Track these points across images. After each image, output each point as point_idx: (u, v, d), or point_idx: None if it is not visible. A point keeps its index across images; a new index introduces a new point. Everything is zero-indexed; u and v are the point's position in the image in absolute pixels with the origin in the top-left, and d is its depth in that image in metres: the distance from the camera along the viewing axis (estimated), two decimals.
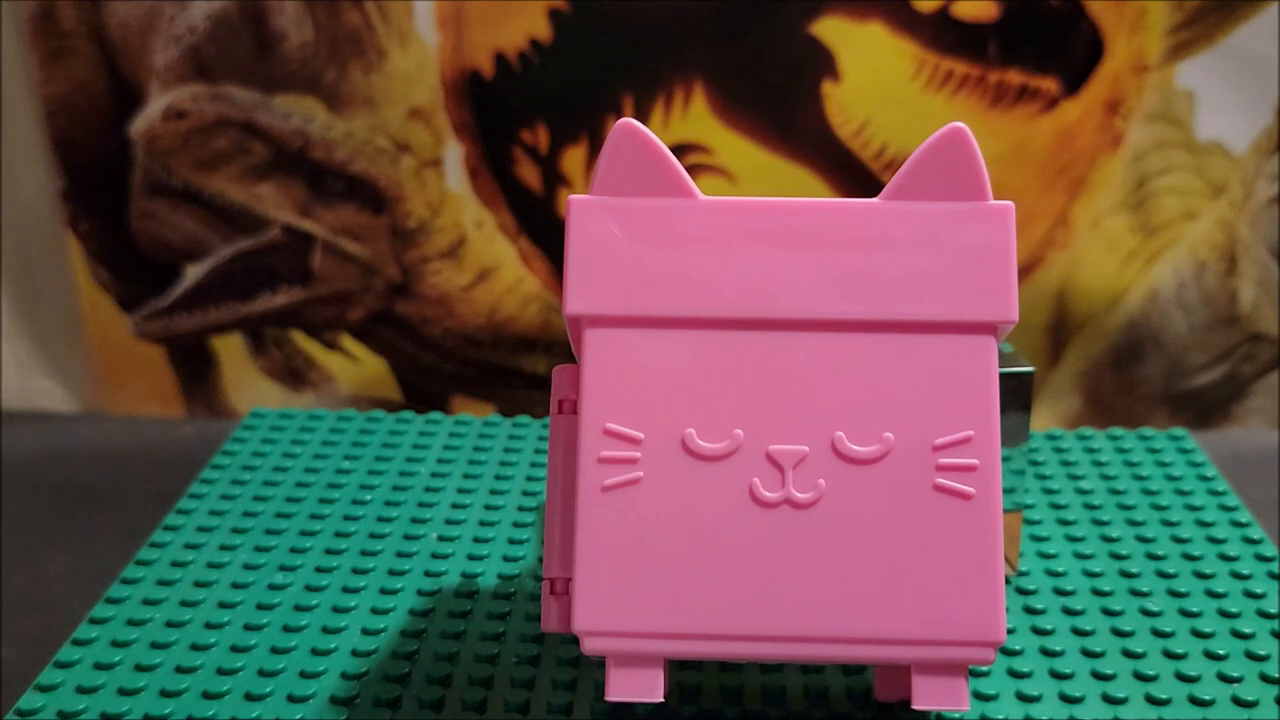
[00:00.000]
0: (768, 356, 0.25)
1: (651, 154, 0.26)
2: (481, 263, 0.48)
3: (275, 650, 0.31)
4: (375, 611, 0.32)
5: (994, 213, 0.26)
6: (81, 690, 0.29)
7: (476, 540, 0.36)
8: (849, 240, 0.25)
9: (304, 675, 0.30)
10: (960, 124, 0.26)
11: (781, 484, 0.25)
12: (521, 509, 0.38)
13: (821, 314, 0.25)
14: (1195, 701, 0.29)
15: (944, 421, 0.25)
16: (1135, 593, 0.34)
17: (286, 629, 0.32)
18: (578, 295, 0.26)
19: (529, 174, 0.47)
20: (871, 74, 0.44)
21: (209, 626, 0.32)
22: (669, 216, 0.26)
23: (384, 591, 0.33)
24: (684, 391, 0.25)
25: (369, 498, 0.38)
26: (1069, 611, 0.33)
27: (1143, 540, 0.36)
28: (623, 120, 0.25)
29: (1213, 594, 0.33)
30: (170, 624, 0.32)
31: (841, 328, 0.25)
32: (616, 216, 0.26)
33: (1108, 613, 0.33)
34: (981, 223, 0.26)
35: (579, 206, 0.26)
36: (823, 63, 0.45)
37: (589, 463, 0.25)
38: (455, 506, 0.38)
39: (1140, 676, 0.30)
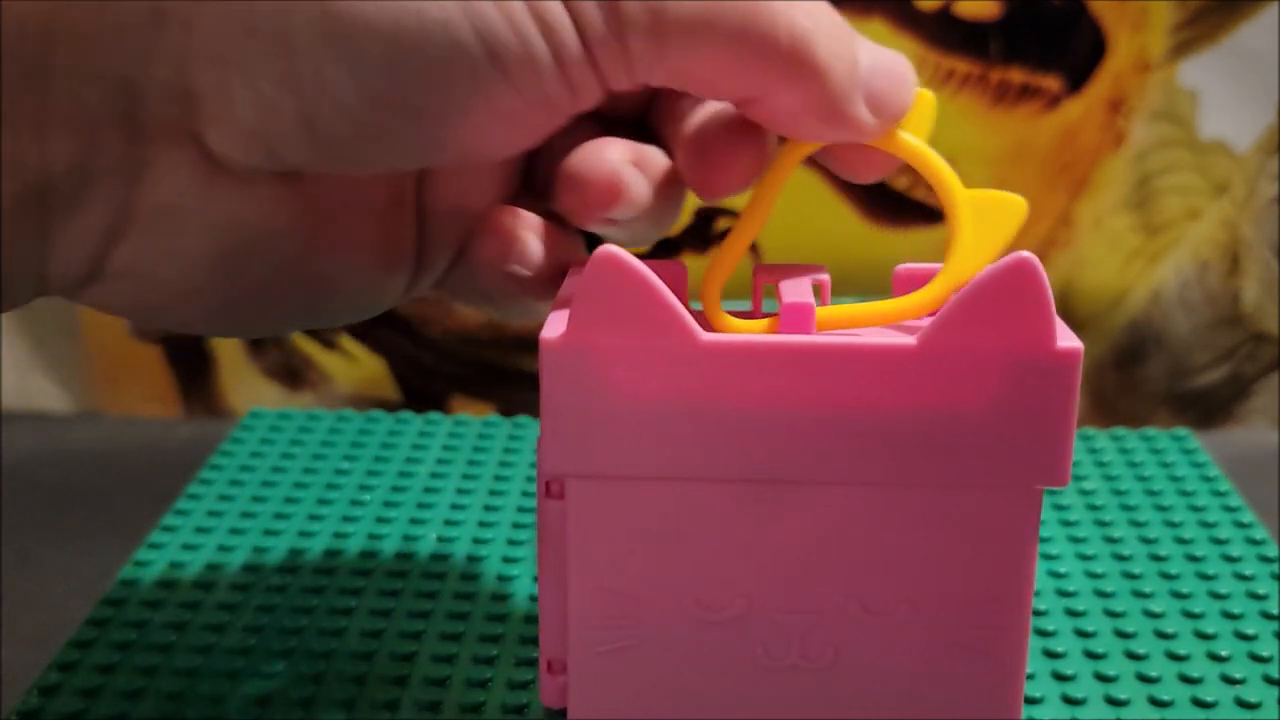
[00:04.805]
0: (778, 515, 0.22)
1: (638, 288, 0.21)
2: None
3: (274, 653, 0.31)
4: (374, 613, 0.32)
5: (1058, 360, 0.21)
6: (81, 692, 0.29)
7: (476, 541, 0.36)
8: (878, 393, 0.21)
9: (303, 678, 0.30)
10: (1028, 255, 0.21)
11: (791, 649, 0.23)
12: (521, 509, 0.38)
13: (841, 474, 0.22)
14: (1198, 703, 0.29)
15: (973, 582, 0.23)
16: (1138, 594, 0.33)
17: (284, 631, 0.31)
18: (557, 453, 0.22)
19: None
20: None
21: (208, 628, 0.31)
22: (662, 360, 0.21)
23: (382, 593, 0.33)
24: (683, 551, 0.23)
25: (368, 498, 0.38)
26: (1071, 613, 0.32)
27: (1145, 541, 0.36)
28: (603, 249, 0.21)
29: (1216, 595, 0.33)
30: (169, 625, 0.32)
31: (863, 484, 0.22)
32: (599, 361, 0.21)
33: (1110, 614, 0.32)
34: (1042, 373, 0.21)
35: (552, 351, 0.21)
36: None
37: (582, 626, 0.23)
38: (454, 507, 0.38)
39: (1143, 678, 0.30)
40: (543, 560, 0.23)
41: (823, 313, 0.23)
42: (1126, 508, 0.38)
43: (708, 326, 0.23)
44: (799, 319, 0.23)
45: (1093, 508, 0.38)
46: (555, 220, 0.26)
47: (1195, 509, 0.38)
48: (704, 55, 0.21)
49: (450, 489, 0.39)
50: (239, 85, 0.21)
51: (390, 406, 0.50)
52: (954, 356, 0.21)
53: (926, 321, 0.22)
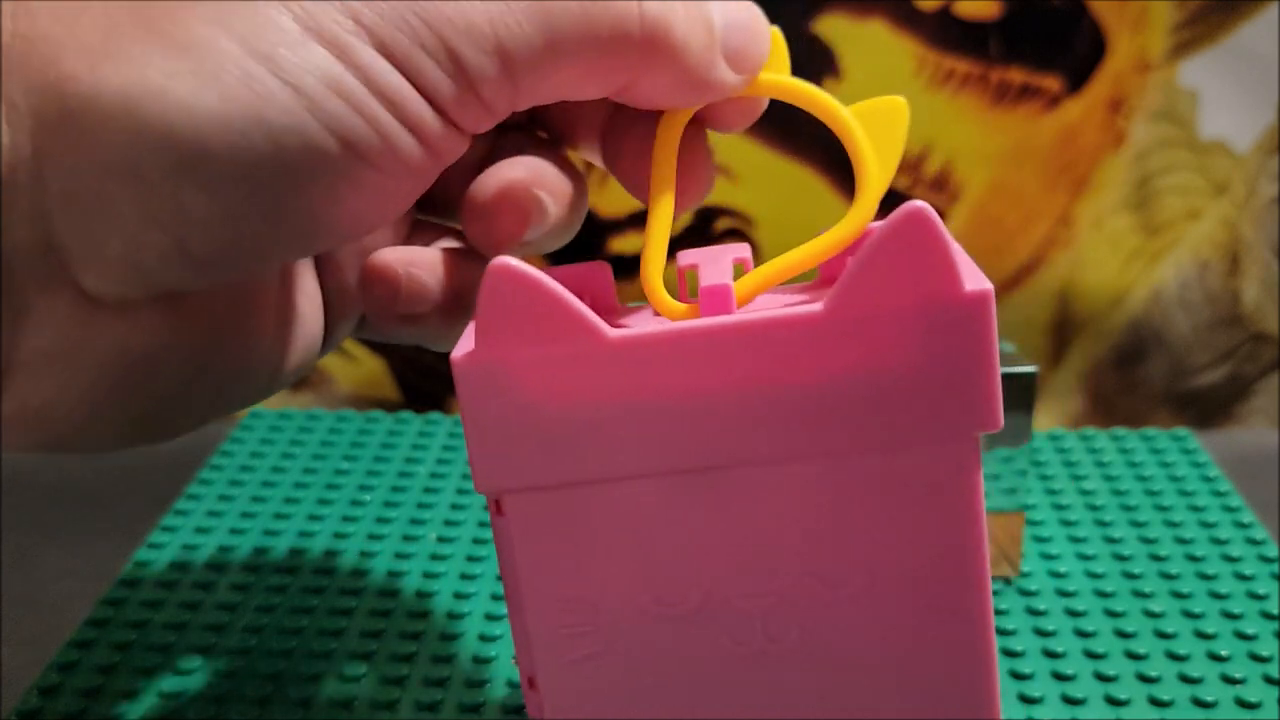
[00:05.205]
0: (720, 501, 0.22)
1: (537, 296, 0.21)
2: None
3: (274, 653, 0.31)
4: (373, 613, 0.32)
5: (968, 303, 0.21)
6: (81, 692, 0.29)
7: (475, 541, 0.36)
8: (795, 365, 0.21)
9: (303, 678, 0.30)
10: (919, 203, 0.21)
11: (755, 632, 0.23)
12: None
13: (775, 452, 0.22)
14: (1198, 703, 0.29)
15: (926, 541, 0.22)
16: (1138, 594, 0.33)
17: (285, 631, 0.31)
18: (488, 471, 0.22)
19: None
20: (873, 72, 0.44)
21: (207, 628, 0.31)
22: (575, 364, 0.21)
23: (382, 593, 0.33)
24: (632, 550, 0.22)
25: (368, 498, 0.38)
26: (1071, 613, 0.32)
27: (1145, 541, 0.36)
28: (496, 262, 0.20)
29: (1216, 595, 0.33)
30: (169, 626, 0.32)
31: (798, 459, 0.22)
32: (512, 374, 0.21)
33: (1110, 614, 0.32)
34: (954, 318, 0.21)
35: (465, 370, 0.21)
36: (824, 61, 0.44)
37: (544, 638, 0.23)
38: (454, 507, 0.38)
39: (1143, 678, 0.30)
40: (504, 578, 0.23)
41: (749, 279, 0.23)
42: (1127, 508, 0.38)
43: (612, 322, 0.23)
44: (718, 301, 0.22)
45: (1093, 508, 0.38)
46: (459, 240, 0.26)
47: (1195, 509, 0.38)
48: (561, 75, 0.21)
49: (450, 489, 0.39)
50: (101, 228, 0.20)
51: (390, 406, 0.50)
52: (864, 317, 0.21)
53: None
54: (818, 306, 0.21)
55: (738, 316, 0.21)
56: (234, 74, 0.19)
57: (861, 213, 0.23)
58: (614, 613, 0.23)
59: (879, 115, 0.24)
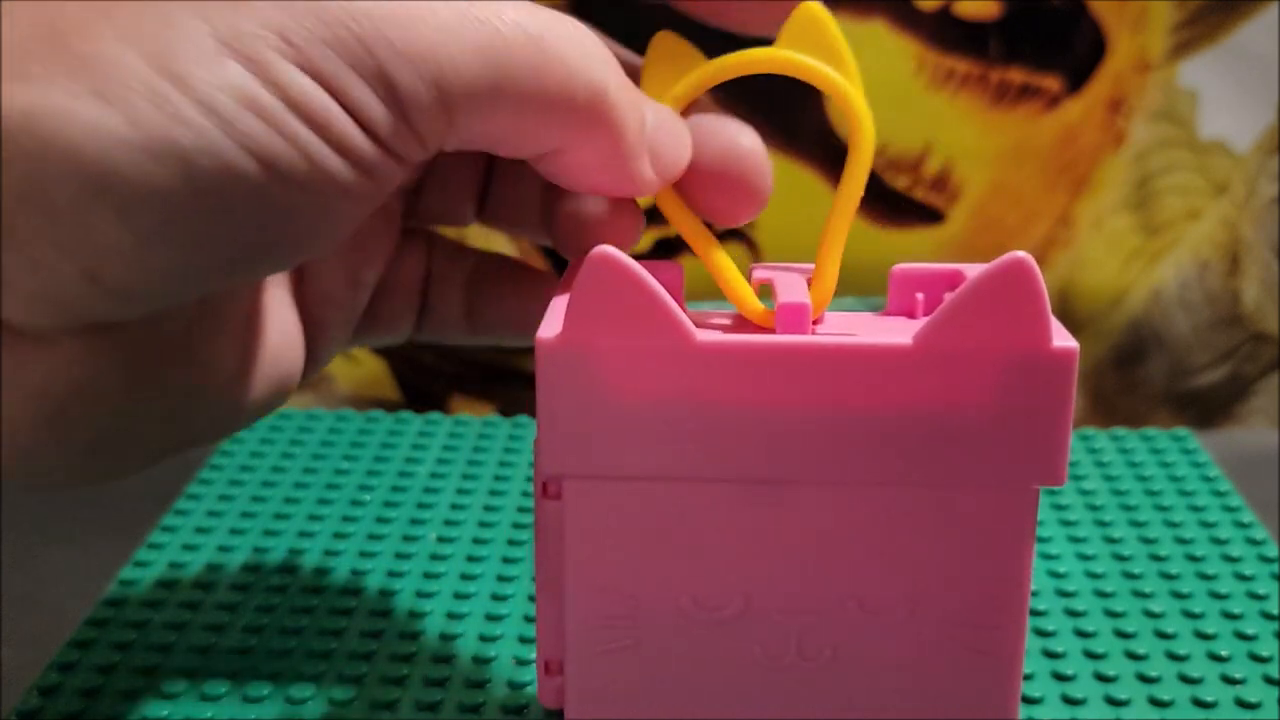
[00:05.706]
0: (776, 515, 0.22)
1: (635, 289, 0.21)
2: None
3: (274, 653, 0.31)
4: (373, 613, 0.32)
5: (1054, 360, 0.21)
6: (81, 692, 0.29)
7: (475, 541, 0.36)
8: (874, 393, 0.21)
9: (303, 678, 0.30)
10: (1023, 254, 0.21)
11: (789, 647, 0.23)
12: (521, 509, 0.38)
13: (837, 474, 0.22)
14: (1198, 703, 0.29)
15: (970, 582, 0.23)
16: (1138, 594, 0.33)
17: (284, 631, 0.31)
18: (554, 453, 0.22)
19: None
20: (873, 72, 0.44)
21: (207, 628, 0.31)
22: (659, 361, 0.21)
23: (382, 593, 0.33)
24: (680, 551, 0.23)
25: (367, 498, 0.38)
26: (1071, 613, 0.32)
27: (1145, 541, 0.36)
28: (599, 249, 0.21)
29: (1216, 595, 0.33)
30: (169, 626, 0.32)
31: (860, 484, 0.22)
32: (596, 361, 0.21)
33: (1110, 614, 0.32)
34: (1038, 372, 0.21)
35: (549, 351, 0.21)
36: None
37: (580, 626, 0.23)
38: (454, 507, 0.38)
39: (1143, 678, 0.30)
40: (540, 560, 0.23)
41: (819, 282, 0.24)
42: (1126, 508, 0.38)
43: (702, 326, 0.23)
44: (795, 318, 0.23)
45: (1093, 508, 0.38)
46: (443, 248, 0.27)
47: (1195, 509, 0.38)
48: (498, 122, 0.21)
49: (450, 489, 0.39)
50: (9, 258, 0.19)
51: (390, 406, 0.50)
52: (950, 356, 0.21)
53: (923, 321, 0.22)
54: (906, 338, 0.21)
55: (825, 338, 0.22)
56: (141, 94, 0.18)
57: (863, 137, 0.25)
58: (652, 609, 0.23)
59: (805, 32, 0.24)
